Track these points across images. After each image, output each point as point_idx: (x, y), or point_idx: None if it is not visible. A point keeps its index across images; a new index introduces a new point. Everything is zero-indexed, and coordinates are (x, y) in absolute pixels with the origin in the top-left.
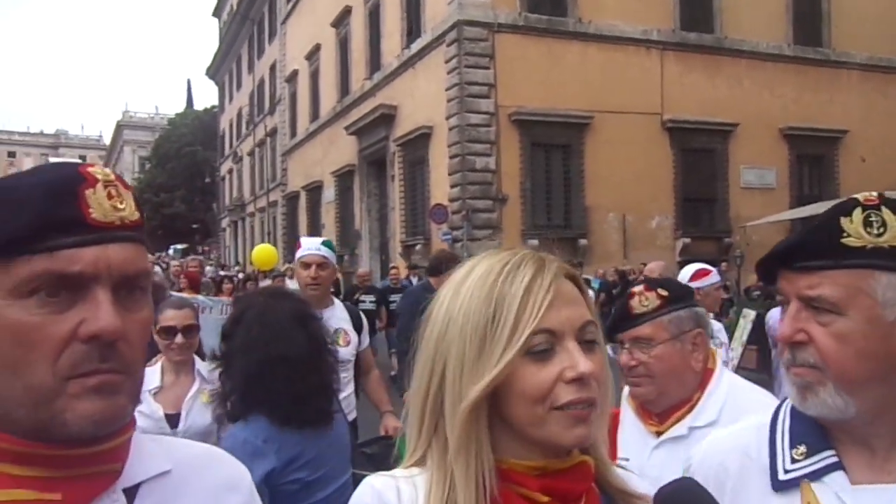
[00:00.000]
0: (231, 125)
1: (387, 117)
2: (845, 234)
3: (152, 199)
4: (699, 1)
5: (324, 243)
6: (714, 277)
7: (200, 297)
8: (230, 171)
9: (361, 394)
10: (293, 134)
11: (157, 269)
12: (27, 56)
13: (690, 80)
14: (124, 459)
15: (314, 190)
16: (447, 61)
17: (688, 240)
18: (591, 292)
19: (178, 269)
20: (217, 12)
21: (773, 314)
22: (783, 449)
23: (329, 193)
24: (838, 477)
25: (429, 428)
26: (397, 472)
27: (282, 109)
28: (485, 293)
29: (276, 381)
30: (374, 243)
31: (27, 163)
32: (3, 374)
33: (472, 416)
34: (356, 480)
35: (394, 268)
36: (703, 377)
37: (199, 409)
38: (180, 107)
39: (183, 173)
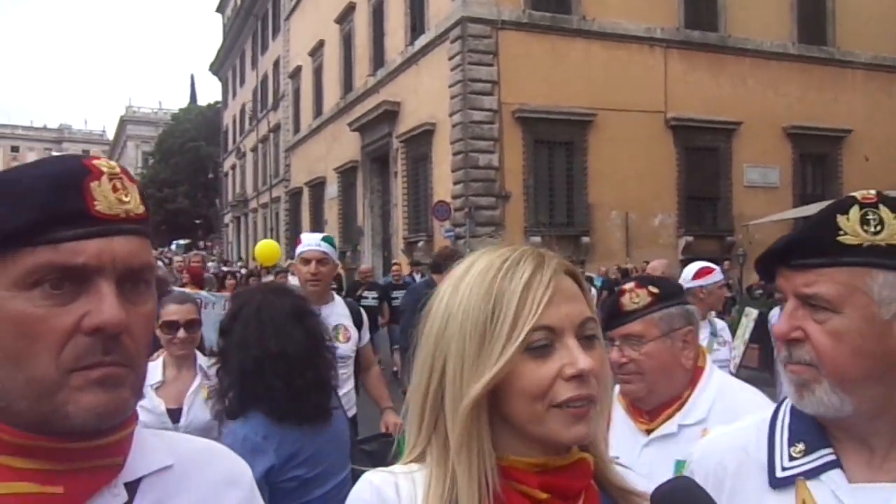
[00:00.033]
0: (234, 121)
1: (390, 114)
2: (842, 232)
3: (155, 195)
4: None
5: (324, 239)
6: (717, 276)
7: (203, 293)
8: (233, 167)
9: (361, 390)
10: (296, 130)
11: (159, 264)
12: (31, 51)
13: (694, 79)
14: (126, 453)
15: (317, 186)
16: (451, 58)
17: (690, 238)
18: (592, 290)
19: (182, 265)
20: (221, 8)
21: (775, 313)
22: (782, 446)
23: (332, 190)
24: (836, 475)
25: (428, 424)
26: (396, 468)
27: (285, 105)
28: (484, 289)
29: (274, 377)
30: (377, 240)
31: (30, 157)
32: (5, 365)
33: (474, 413)
34: (355, 477)
35: (396, 264)
36: (694, 375)
37: (200, 405)
38: (184, 102)
39: (186, 169)
